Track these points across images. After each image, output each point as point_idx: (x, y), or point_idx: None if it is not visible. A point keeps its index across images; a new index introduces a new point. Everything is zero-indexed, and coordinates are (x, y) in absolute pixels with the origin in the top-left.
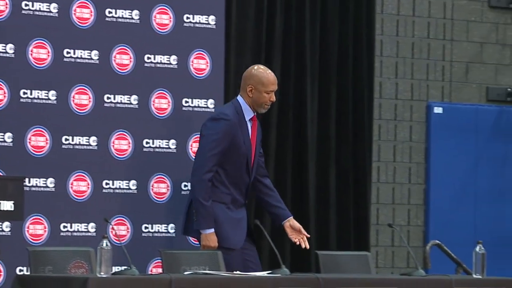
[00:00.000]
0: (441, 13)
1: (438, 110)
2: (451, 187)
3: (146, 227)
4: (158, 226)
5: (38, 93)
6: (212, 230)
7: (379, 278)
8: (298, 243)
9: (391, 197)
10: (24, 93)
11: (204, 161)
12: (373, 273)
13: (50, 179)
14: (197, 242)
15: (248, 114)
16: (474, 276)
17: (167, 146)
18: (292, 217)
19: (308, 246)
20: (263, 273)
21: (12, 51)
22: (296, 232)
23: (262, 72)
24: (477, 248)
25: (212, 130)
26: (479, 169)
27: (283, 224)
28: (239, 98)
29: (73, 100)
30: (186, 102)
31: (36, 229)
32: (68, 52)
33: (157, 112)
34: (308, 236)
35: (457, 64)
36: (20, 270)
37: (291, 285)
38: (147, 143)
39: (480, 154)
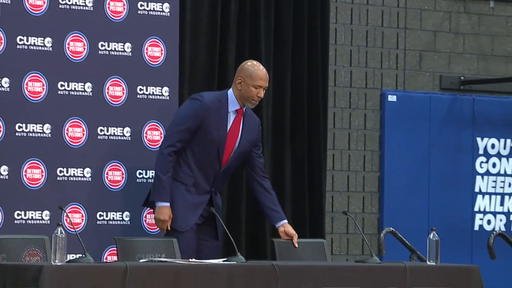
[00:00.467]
0: (394, 1)
1: (392, 98)
2: (405, 174)
3: (101, 215)
4: (113, 214)
5: None
6: (166, 204)
7: (334, 265)
8: None
9: (346, 185)
10: None
11: (168, 136)
12: (328, 261)
13: (4, 167)
14: (153, 230)
15: (233, 105)
16: (428, 263)
17: (121, 134)
18: (286, 221)
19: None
20: (218, 261)
21: None
22: (289, 238)
23: (252, 66)
24: (431, 235)
25: (184, 108)
26: (433, 157)
27: (277, 228)
28: (230, 89)
29: (27, 88)
30: (141, 89)
31: None
32: (21, 39)
33: (112, 100)
34: (296, 246)
35: (411, 52)
36: None
37: (246, 273)
38: (101, 130)
39: (433, 142)
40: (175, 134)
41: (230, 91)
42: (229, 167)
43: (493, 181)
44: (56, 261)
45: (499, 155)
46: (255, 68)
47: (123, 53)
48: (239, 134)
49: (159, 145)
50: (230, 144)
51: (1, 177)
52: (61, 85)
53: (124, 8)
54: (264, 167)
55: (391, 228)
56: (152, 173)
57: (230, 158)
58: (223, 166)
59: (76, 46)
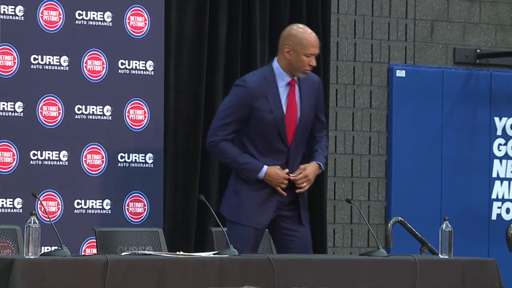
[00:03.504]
0: None
1: (400, 73)
2: (415, 158)
3: (78, 203)
4: (92, 202)
5: None
6: (265, 168)
7: (336, 258)
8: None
9: (350, 170)
10: None
11: (215, 130)
12: (329, 253)
13: None
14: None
15: (283, 79)
16: (440, 256)
17: (101, 113)
18: (314, 163)
19: (300, 191)
20: (209, 254)
21: None
22: (299, 174)
23: (301, 31)
24: (444, 225)
25: (229, 97)
26: (445, 138)
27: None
28: (274, 61)
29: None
30: (122, 64)
31: None
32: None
33: (90, 75)
34: (304, 187)
35: (421, 22)
36: None
37: (239, 267)
38: (79, 109)
39: (446, 122)
40: (224, 127)
41: (275, 64)
42: (299, 143)
43: None
44: (29, 254)
45: None
46: (305, 34)
47: (102, 23)
48: (298, 107)
49: (142, 125)
50: (291, 120)
51: None
52: (34, 59)
53: None
54: (321, 129)
55: (400, 218)
56: (135, 156)
57: (296, 134)
58: (291, 146)
59: (51, 16)
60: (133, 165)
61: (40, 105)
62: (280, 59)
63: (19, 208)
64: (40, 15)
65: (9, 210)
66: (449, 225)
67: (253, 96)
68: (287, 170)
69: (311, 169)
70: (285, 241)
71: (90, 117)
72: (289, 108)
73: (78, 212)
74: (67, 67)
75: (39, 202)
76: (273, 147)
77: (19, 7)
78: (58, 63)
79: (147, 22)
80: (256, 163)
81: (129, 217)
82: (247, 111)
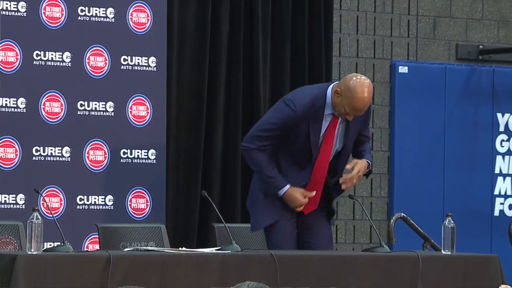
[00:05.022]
0: None
1: (403, 69)
2: (418, 154)
3: (81, 199)
4: (95, 198)
5: None
6: (286, 187)
7: (339, 255)
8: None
9: None
10: None
11: (255, 137)
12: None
13: None
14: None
15: (329, 109)
16: (443, 252)
17: (103, 109)
18: (364, 160)
19: (344, 188)
20: (211, 250)
21: None
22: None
23: (357, 91)
24: (446, 222)
25: (275, 112)
26: (448, 134)
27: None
28: (330, 87)
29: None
30: (125, 60)
31: None
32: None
33: (93, 71)
34: (354, 183)
35: (424, 18)
36: None
37: (242, 263)
38: (81, 105)
39: (449, 118)
40: (262, 139)
41: (329, 91)
42: (332, 170)
43: None
44: (32, 249)
45: None
46: (358, 95)
47: (105, 19)
48: (334, 140)
49: (145, 121)
50: (326, 147)
51: None
52: (37, 55)
53: None
54: (364, 142)
55: (402, 214)
56: (138, 152)
57: (331, 162)
58: (313, 176)
59: (53, 12)
60: (135, 161)
61: (43, 101)
62: (332, 92)
63: (22, 204)
64: (42, 11)
65: (11, 206)
66: (452, 221)
67: (298, 121)
68: (311, 193)
69: (360, 164)
70: (305, 237)
71: (93, 113)
72: (327, 135)
73: (81, 208)
74: (69, 63)
75: (41, 198)
76: (302, 166)
77: (22, 3)
78: (60, 59)
79: (149, 18)
80: (280, 180)
81: (132, 213)
82: (289, 131)
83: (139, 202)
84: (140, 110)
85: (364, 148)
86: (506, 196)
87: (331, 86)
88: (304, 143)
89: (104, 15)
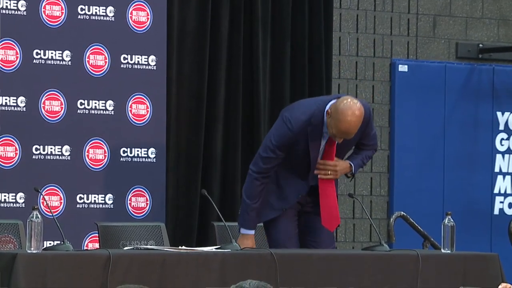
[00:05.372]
0: None
1: (403, 68)
2: (418, 153)
3: (81, 198)
4: (95, 197)
5: None
6: (247, 233)
7: (339, 253)
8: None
9: None
10: None
11: (259, 160)
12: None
13: None
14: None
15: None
16: (443, 251)
17: (103, 108)
18: (348, 161)
19: (316, 173)
20: (211, 248)
21: None
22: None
23: (346, 114)
24: (446, 220)
25: (276, 131)
26: (448, 133)
27: None
28: (329, 104)
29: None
30: (125, 58)
31: None
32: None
33: (93, 70)
34: (326, 174)
35: (424, 17)
36: None
37: (241, 262)
38: (81, 104)
39: (449, 116)
40: (267, 160)
41: (327, 108)
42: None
43: None
44: (32, 248)
45: None
46: (344, 119)
47: (105, 18)
48: (334, 151)
49: (145, 120)
50: (326, 157)
51: None
52: (37, 53)
53: None
54: (363, 150)
55: (402, 212)
56: (138, 151)
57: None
58: (309, 186)
59: (53, 10)
60: (135, 159)
61: (43, 100)
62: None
63: (22, 203)
64: (42, 9)
65: (11, 204)
66: (452, 220)
67: (295, 137)
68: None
69: (342, 163)
70: (307, 236)
71: (93, 111)
72: (326, 151)
73: (81, 206)
74: (69, 62)
75: (41, 196)
76: (301, 178)
77: (22, 2)
78: (60, 58)
79: (149, 16)
80: (252, 223)
81: (132, 212)
82: (287, 150)
83: (139, 201)
84: (140, 109)
85: (359, 152)
86: (506, 195)
87: (329, 104)
88: (303, 157)
89: (104, 13)
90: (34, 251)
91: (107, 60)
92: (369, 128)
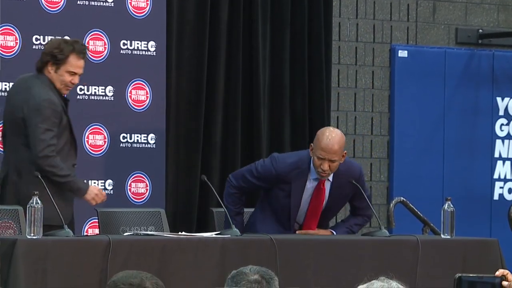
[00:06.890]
0: None
1: (402, 53)
2: (417, 138)
3: None
4: (94, 182)
5: None
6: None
7: (338, 239)
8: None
9: (352, 150)
10: None
11: (239, 175)
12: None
13: None
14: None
15: (314, 173)
16: (443, 236)
17: (103, 93)
18: (329, 230)
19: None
20: (211, 234)
21: None
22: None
23: (321, 133)
24: (446, 206)
25: (263, 164)
26: (448, 119)
27: None
28: None
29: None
30: (124, 44)
31: None
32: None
33: (92, 56)
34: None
35: (424, 2)
36: None
37: (241, 247)
38: (81, 90)
39: (448, 102)
40: (246, 180)
41: None
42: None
43: None
44: (32, 234)
45: None
46: (320, 136)
47: (104, 4)
48: (324, 202)
49: (144, 106)
50: (315, 212)
51: None
52: (36, 39)
53: None
54: (357, 215)
55: (402, 198)
56: (137, 136)
57: (319, 221)
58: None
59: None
60: (135, 145)
61: None
62: None
63: None
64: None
65: None
66: (451, 205)
67: (278, 179)
68: None
69: (323, 232)
70: None
71: (92, 97)
72: (313, 200)
73: None
74: None
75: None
76: (279, 221)
77: None
78: None
79: (149, 2)
80: (241, 226)
81: (131, 198)
82: (267, 185)
83: (139, 187)
84: (139, 95)
85: (348, 219)
86: (505, 180)
87: None
88: (284, 202)
89: None
90: (34, 237)
91: (106, 46)
92: (361, 182)
